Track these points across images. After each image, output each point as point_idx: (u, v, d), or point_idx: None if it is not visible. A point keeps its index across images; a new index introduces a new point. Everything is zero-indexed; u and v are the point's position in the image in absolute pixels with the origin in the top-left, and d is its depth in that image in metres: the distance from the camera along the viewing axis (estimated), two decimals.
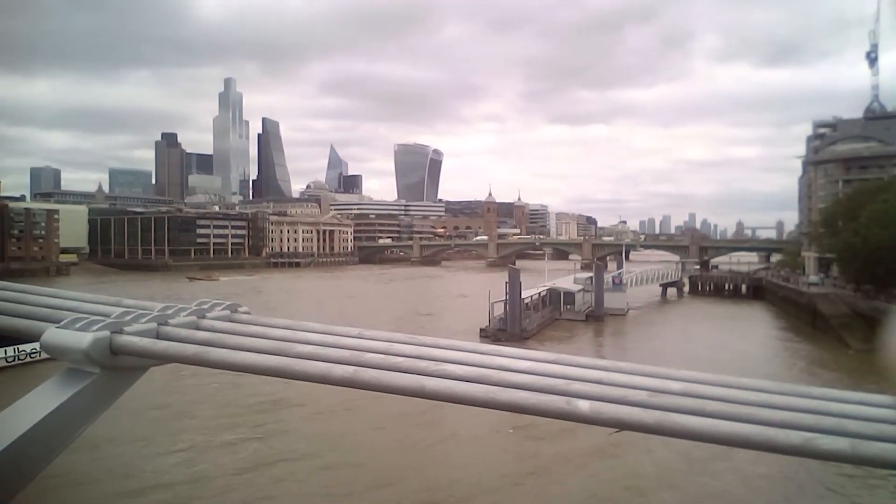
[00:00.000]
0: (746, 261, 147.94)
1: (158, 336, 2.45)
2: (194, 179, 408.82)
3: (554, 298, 67.90)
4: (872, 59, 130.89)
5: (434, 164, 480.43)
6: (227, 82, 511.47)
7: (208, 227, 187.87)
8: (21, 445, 2.08)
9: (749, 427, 1.71)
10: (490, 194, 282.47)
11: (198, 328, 2.62)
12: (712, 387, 2.05)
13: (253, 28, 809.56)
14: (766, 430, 1.69)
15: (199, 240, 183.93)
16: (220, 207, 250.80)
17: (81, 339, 2.26)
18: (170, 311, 2.66)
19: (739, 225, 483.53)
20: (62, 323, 2.37)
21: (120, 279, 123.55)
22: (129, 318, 2.47)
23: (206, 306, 2.80)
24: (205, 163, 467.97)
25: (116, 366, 2.34)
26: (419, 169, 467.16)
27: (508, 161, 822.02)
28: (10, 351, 40.62)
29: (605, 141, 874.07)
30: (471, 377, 2.05)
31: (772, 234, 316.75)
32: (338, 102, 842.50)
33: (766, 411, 1.81)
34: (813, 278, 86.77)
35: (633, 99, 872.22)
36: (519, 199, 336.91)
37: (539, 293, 64.68)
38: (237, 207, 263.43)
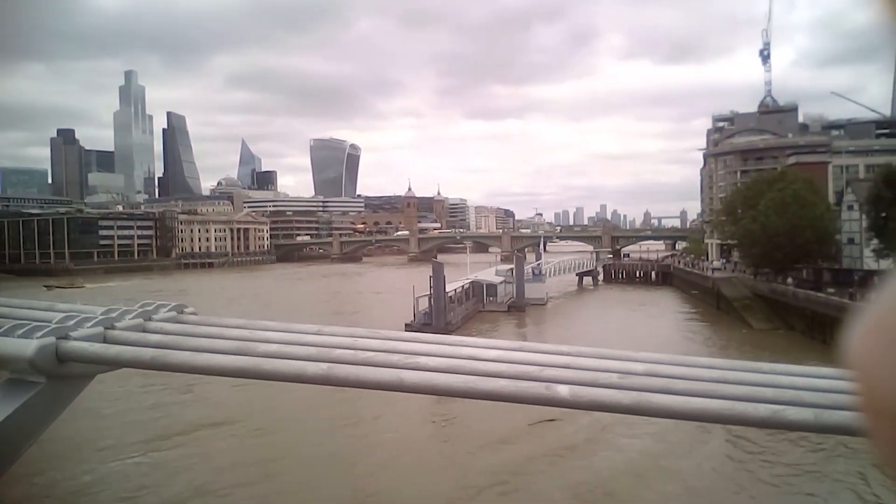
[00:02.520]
0: (654, 249, 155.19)
1: (106, 340, 2.31)
2: (95, 178, 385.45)
3: (477, 291, 68.71)
4: (765, 56, 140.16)
5: (352, 160, 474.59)
6: (128, 75, 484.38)
7: (112, 227, 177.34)
8: None
9: (719, 402, 1.76)
10: (410, 189, 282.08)
11: (146, 331, 2.47)
12: (676, 366, 2.09)
13: (154, 19, 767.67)
14: (736, 405, 1.74)
15: (102, 242, 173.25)
16: (123, 207, 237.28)
17: (25, 346, 2.11)
18: (114, 314, 2.48)
19: (647, 215, 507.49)
20: (1, 330, 2.22)
21: (14, 285, 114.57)
22: (72, 322, 2.30)
23: (150, 307, 2.64)
24: (106, 160, 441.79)
25: (63, 374, 2.20)
26: (336, 164, 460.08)
27: (427, 156, 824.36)
28: None
29: (520, 135, 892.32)
30: (446, 368, 2.03)
31: (676, 222, 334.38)
32: (248, 96, 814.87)
33: (731, 387, 1.86)
34: (716, 264, 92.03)
35: (544, 95, 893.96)
36: (438, 193, 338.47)
37: (462, 286, 65.24)
38: (143, 206, 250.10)
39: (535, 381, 1.89)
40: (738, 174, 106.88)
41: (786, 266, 65.47)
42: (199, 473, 23.34)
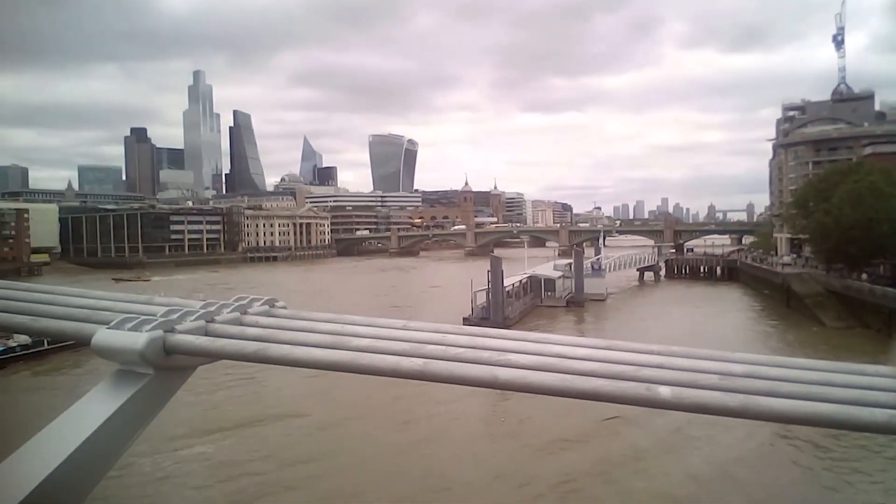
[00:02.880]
0: (719, 243, 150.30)
1: (207, 333, 2.43)
2: (165, 175, 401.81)
3: (534, 286, 68.39)
4: (839, 41, 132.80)
5: (409, 155, 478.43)
6: (196, 75, 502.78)
7: (182, 222, 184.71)
8: (83, 452, 2.01)
9: (832, 407, 1.70)
10: (466, 183, 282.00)
11: (241, 324, 2.59)
12: (778, 368, 2.04)
13: (220, 19, 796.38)
14: (849, 409, 1.67)
15: (173, 236, 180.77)
16: (193, 203, 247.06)
17: (136, 339, 2.22)
18: (213, 308, 2.64)
19: (711, 208, 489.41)
20: (112, 324, 2.32)
21: (89, 278, 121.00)
22: (175, 316, 2.43)
23: (245, 301, 2.79)
24: (176, 157, 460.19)
25: (169, 366, 2.30)
26: (394, 159, 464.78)
27: (483, 150, 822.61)
28: None
29: (578, 128, 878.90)
30: (539, 366, 2.02)
31: (742, 216, 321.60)
32: (309, 94, 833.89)
33: (839, 390, 1.81)
34: (785, 259, 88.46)
35: (604, 86, 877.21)
36: (495, 187, 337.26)
37: (520, 281, 65.06)
38: (211, 202, 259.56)
39: (634, 381, 1.87)
40: (810, 165, 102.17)
41: (860, 261, 62.33)
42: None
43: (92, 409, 2.14)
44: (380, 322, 2.66)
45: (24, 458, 2.00)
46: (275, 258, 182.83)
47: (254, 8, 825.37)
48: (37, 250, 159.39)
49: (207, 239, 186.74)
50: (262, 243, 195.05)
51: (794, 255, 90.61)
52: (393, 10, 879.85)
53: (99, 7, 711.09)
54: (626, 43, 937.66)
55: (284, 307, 2.91)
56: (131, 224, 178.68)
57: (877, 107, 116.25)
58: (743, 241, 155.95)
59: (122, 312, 2.52)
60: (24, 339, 40.26)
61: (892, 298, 51.44)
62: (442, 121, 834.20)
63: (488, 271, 55.33)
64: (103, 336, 2.26)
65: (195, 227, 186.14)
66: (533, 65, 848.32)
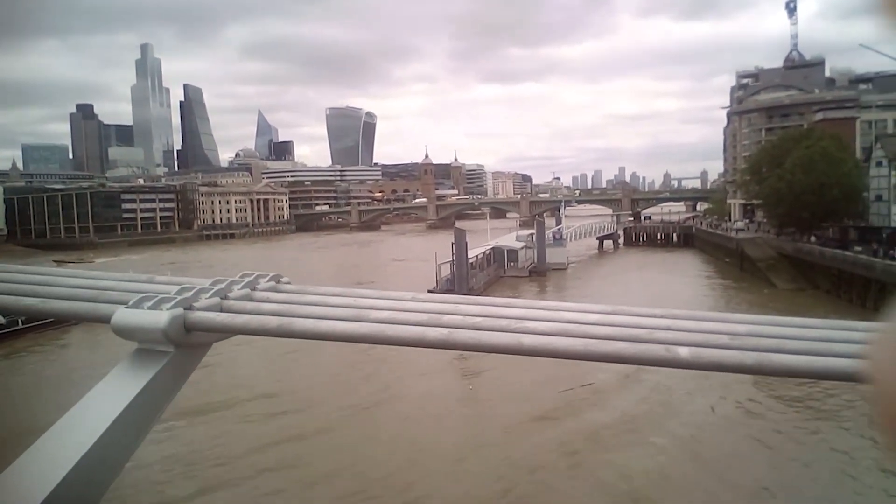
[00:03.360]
0: (675, 211, 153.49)
1: (223, 310, 2.43)
2: (115, 152, 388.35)
3: (498, 257, 68.71)
4: (791, 8, 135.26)
5: (368, 128, 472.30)
6: (144, 48, 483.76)
7: (134, 201, 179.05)
8: (114, 431, 2.04)
9: (837, 361, 1.76)
10: (427, 156, 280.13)
11: (254, 300, 2.58)
12: (776, 327, 2.08)
13: None
14: (850, 362, 1.72)
15: (125, 215, 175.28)
16: (144, 180, 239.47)
17: (158, 318, 2.23)
18: (223, 285, 2.60)
19: (666, 176, 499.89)
20: (130, 303, 2.32)
21: (38, 261, 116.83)
22: (191, 294, 2.41)
23: (251, 278, 2.77)
24: (125, 134, 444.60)
25: (190, 343, 2.32)
26: (353, 133, 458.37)
27: (442, 122, 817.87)
28: None
29: (537, 98, 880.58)
30: (560, 332, 2.06)
31: (697, 183, 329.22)
32: (263, 67, 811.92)
33: (837, 346, 1.87)
34: (738, 224, 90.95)
35: (562, 55, 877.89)
36: (455, 160, 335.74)
37: (484, 252, 65.28)
38: (163, 179, 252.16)
39: (653, 343, 1.92)
40: (763, 132, 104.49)
41: (812, 225, 64.46)
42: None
43: (116, 389, 2.17)
44: (391, 295, 2.68)
45: (55, 441, 2.02)
46: (232, 235, 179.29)
47: None
48: None
49: (161, 217, 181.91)
50: (218, 221, 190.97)
51: (748, 221, 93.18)
52: None
53: None
54: (583, 12, 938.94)
55: (289, 283, 2.90)
56: (81, 204, 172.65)
57: (827, 73, 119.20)
58: (697, 208, 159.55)
59: (129, 292, 2.47)
60: None
61: (841, 260, 53.36)
62: (401, 93, 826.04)
63: (452, 244, 55.35)
64: (123, 315, 2.26)
65: (148, 205, 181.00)
66: (491, 35, 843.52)
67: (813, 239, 63.64)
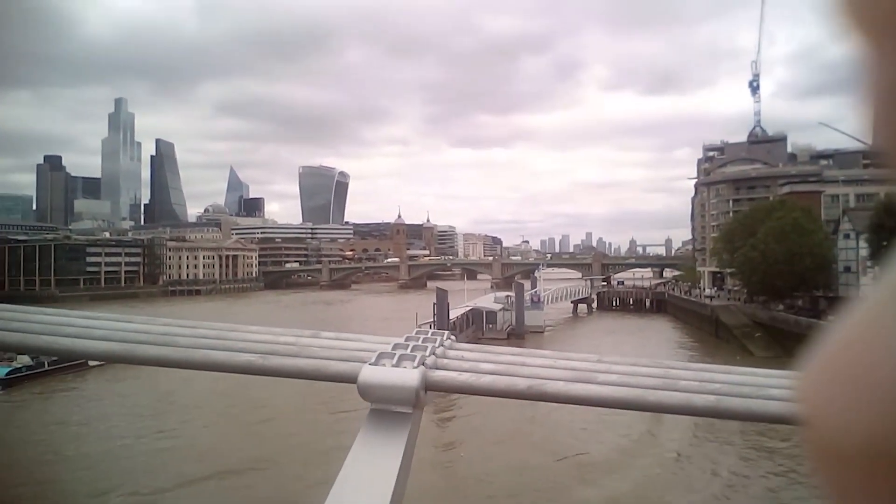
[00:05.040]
0: (642, 276, 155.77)
1: (437, 367, 2.24)
2: (81, 204, 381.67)
3: (476, 318, 68.11)
4: (755, 87, 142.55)
5: (340, 187, 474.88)
6: (118, 102, 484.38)
7: (100, 254, 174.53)
8: None
9: (775, 404, 1.86)
10: (399, 216, 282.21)
11: (458, 359, 2.32)
12: (725, 374, 2.14)
13: (143, 47, 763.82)
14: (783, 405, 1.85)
15: (88, 269, 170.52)
16: (110, 234, 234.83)
17: (409, 377, 2.07)
18: (419, 342, 2.30)
19: (632, 242, 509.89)
20: (371, 361, 2.15)
21: None
22: (425, 351, 2.21)
23: (427, 335, 2.43)
24: (92, 187, 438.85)
25: (423, 404, 2.14)
26: (325, 191, 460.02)
27: (414, 184, 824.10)
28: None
29: (507, 164, 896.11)
30: (568, 378, 2.08)
31: (661, 250, 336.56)
32: (236, 124, 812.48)
33: (777, 391, 1.94)
34: (708, 291, 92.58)
35: (531, 124, 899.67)
36: (428, 220, 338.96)
37: (463, 314, 64.67)
38: (129, 233, 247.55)
39: (667, 390, 1.98)
40: (731, 203, 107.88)
41: (784, 294, 65.68)
42: None
43: (374, 457, 2.03)
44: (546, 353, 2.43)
45: None
46: (198, 292, 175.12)
47: (179, 36, 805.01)
48: None
49: (126, 272, 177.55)
50: (185, 276, 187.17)
51: (716, 288, 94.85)
52: (322, 44, 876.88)
53: (12, 30, 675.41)
54: (552, 84, 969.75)
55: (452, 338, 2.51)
56: (43, 256, 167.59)
57: (789, 149, 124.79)
58: (664, 274, 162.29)
59: (326, 348, 2.29)
60: (26, 359, 43.42)
61: (816, 329, 54.07)
62: (373, 154, 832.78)
63: (434, 304, 54.75)
64: (370, 373, 2.13)
65: (113, 259, 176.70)
66: (462, 102, 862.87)
67: (781, 307, 64.78)
